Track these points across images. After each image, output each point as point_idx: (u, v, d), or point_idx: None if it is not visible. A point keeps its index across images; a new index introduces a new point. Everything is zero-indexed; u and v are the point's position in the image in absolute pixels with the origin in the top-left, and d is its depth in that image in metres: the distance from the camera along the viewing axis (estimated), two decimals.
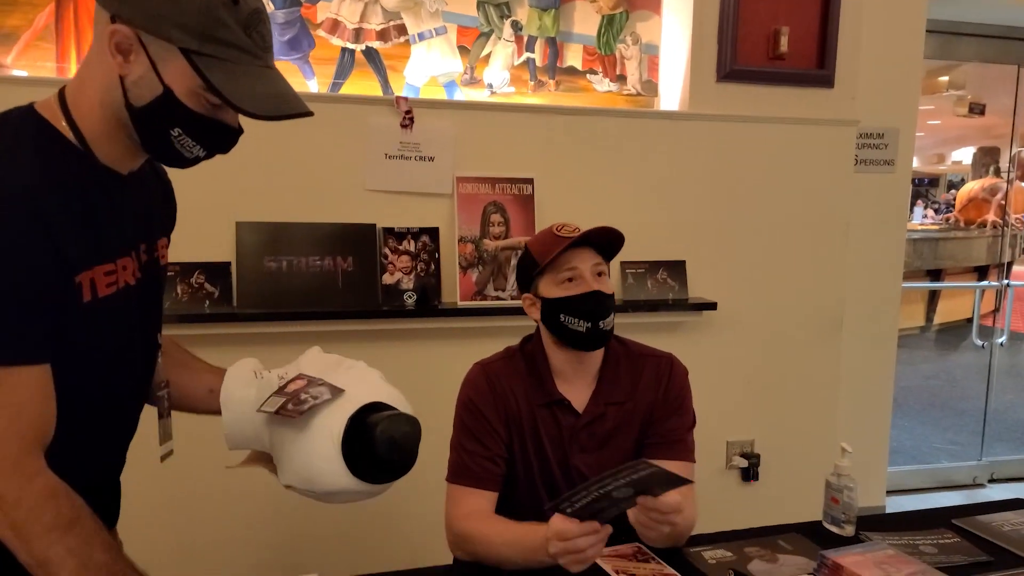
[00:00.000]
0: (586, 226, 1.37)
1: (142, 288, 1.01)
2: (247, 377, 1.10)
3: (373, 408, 1.01)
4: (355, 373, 1.08)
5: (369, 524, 2.22)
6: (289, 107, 0.91)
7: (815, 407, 2.68)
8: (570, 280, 1.35)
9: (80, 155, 0.91)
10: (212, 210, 2.05)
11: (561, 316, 1.35)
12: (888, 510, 3.12)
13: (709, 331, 2.53)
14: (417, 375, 2.25)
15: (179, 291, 2.02)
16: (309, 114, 0.90)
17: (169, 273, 1.93)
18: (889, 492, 3.29)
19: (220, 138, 0.93)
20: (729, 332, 2.55)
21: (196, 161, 0.95)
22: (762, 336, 2.60)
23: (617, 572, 1.24)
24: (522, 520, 1.28)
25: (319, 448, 0.99)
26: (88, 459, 0.98)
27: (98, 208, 0.92)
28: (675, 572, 1.25)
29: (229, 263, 2.09)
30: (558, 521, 1.11)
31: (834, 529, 1.43)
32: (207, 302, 2.05)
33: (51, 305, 0.86)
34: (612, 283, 1.40)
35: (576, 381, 1.41)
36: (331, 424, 0.99)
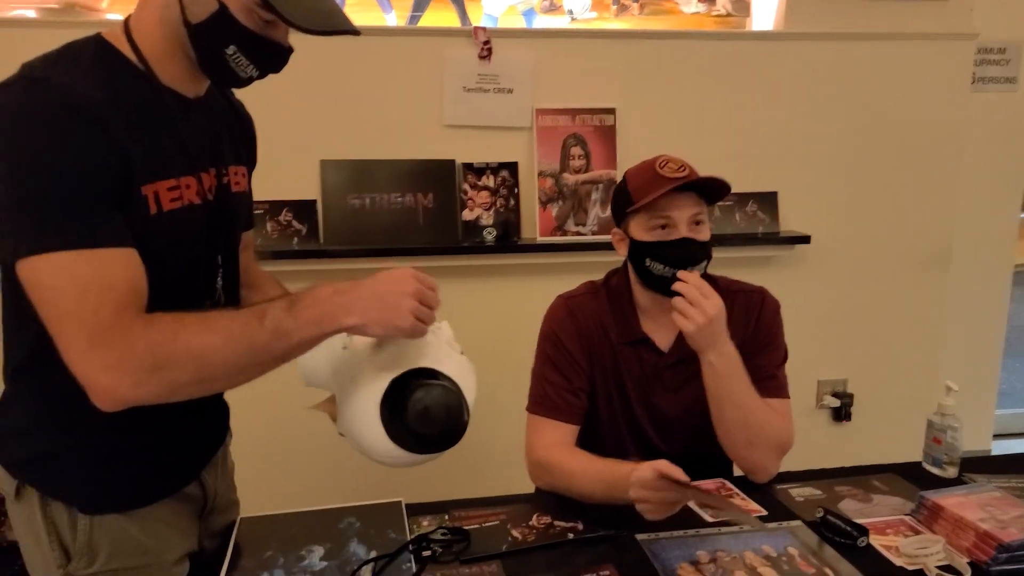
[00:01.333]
0: (682, 157, 1.30)
1: (211, 211, 1.04)
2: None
3: (426, 374, 0.98)
4: (432, 337, 1.05)
5: (452, 452, 2.28)
6: (338, 23, 0.95)
7: (916, 346, 2.53)
8: (663, 227, 1.28)
9: (141, 74, 0.94)
10: (297, 149, 2.09)
11: (647, 260, 1.30)
12: (994, 454, 2.96)
13: (802, 266, 2.41)
14: (497, 311, 2.27)
15: (268, 228, 2.09)
16: (356, 32, 0.96)
17: (258, 211, 2.03)
18: (996, 436, 3.12)
19: (272, 57, 0.97)
20: (824, 267, 2.43)
21: (249, 81, 0.98)
22: (860, 271, 2.46)
23: (703, 506, 1.23)
24: (604, 456, 1.27)
25: (363, 405, 0.98)
26: None
27: (160, 126, 0.95)
28: (760, 508, 1.23)
29: (315, 201, 2.13)
30: (645, 469, 1.10)
31: (935, 470, 1.36)
32: (295, 239, 2.11)
33: (121, 203, 0.89)
34: (710, 229, 1.32)
35: (661, 319, 1.36)
36: (377, 383, 0.97)
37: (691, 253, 1.28)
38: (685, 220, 1.28)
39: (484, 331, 2.27)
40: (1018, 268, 3.02)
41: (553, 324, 1.38)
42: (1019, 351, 4.41)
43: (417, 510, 1.22)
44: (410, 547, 1.09)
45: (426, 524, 1.17)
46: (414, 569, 1.04)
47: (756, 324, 1.37)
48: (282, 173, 2.07)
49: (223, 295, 1.10)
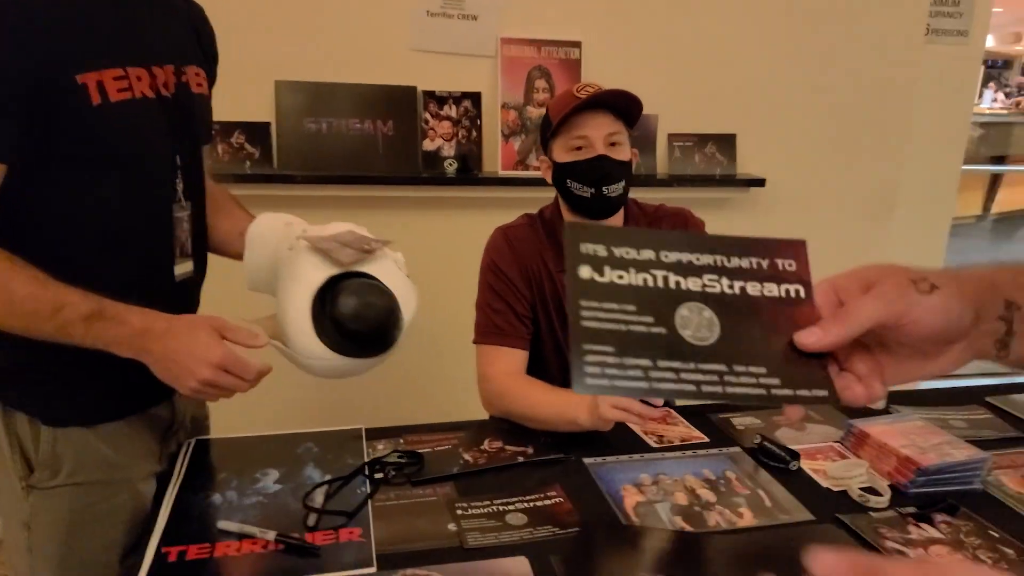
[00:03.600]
0: (643, 96, 1.31)
1: (169, 108, 1.02)
2: (277, 223, 1.11)
3: (364, 277, 1.00)
4: (379, 255, 1.07)
5: (409, 380, 2.32)
6: None
7: None
8: (579, 149, 1.32)
9: None
10: (251, 68, 2.01)
11: (568, 181, 1.34)
12: (921, 387, 3.13)
13: (755, 209, 2.46)
14: (456, 244, 2.26)
15: (220, 150, 2.02)
16: None
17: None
18: None
19: None
20: (776, 211, 2.48)
21: None
22: (808, 216, 2.53)
23: (647, 434, 1.28)
24: (550, 382, 1.32)
25: (296, 299, 1.00)
26: (135, 267, 1.04)
27: (108, 15, 0.94)
28: (702, 435, 1.29)
29: (269, 123, 2.07)
30: (607, 410, 1.16)
31: None
32: (248, 163, 2.05)
33: (25, 108, 0.87)
34: (629, 150, 1.36)
35: None
36: (315, 276, 0.99)
37: (608, 171, 1.31)
38: (601, 139, 1.31)
39: (442, 263, 2.27)
40: (956, 221, 3.14)
41: (492, 254, 1.42)
42: None
43: (375, 435, 1.25)
44: (364, 470, 1.12)
45: (381, 448, 1.20)
46: (368, 491, 1.08)
47: None
48: (234, 93, 1.98)
49: (185, 199, 1.09)
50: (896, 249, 2.74)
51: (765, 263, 0.51)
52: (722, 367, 0.46)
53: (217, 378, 0.93)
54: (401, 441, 1.23)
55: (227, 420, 1.37)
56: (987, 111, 6.47)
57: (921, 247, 2.94)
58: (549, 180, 1.39)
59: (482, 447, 1.22)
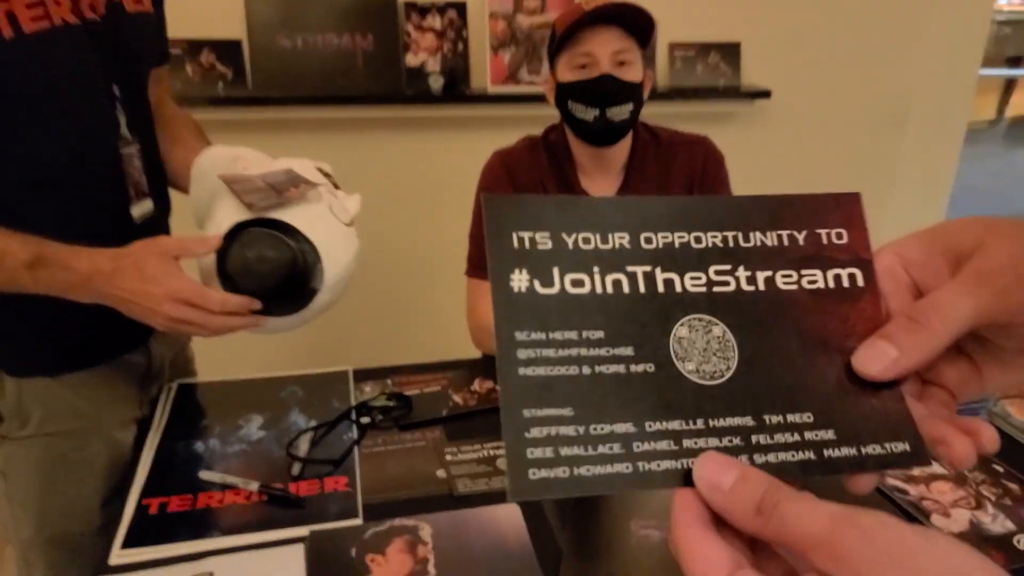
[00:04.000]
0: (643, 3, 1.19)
1: (98, 33, 0.92)
2: (223, 157, 1.02)
3: (279, 228, 0.90)
4: (314, 196, 0.97)
5: (395, 316, 2.27)
6: None
7: (865, 206, 2.55)
8: (584, 67, 1.21)
9: None
10: None
11: (569, 103, 1.23)
12: None
13: (761, 122, 2.35)
14: (443, 167, 2.17)
15: (189, 71, 1.90)
16: None
17: (175, 51, 1.84)
18: None
19: None
20: (783, 125, 2.37)
21: None
22: (817, 129, 2.42)
23: None
24: None
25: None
26: (88, 212, 0.97)
27: None
28: None
29: (239, 41, 1.94)
30: None
31: None
32: (220, 84, 1.93)
33: None
34: (640, 71, 1.24)
35: (599, 177, 1.31)
36: (223, 224, 0.91)
37: (612, 91, 1.20)
38: (607, 56, 1.20)
39: (430, 188, 2.19)
40: (972, 126, 3.01)
41: (488, 182, 1.33)
42: (961, 210, 4.53)
43: (362, 377, 1.20)
44: (351, 415, 1.09)
45: (368, 391, 1.16)
46: (354, 437, 1.04)
47: (701, 177, 1.32)
48: (200, 7, 1.87)
49: (131, 133, 1.00)
50: (907, 156, 2.63)
51: (801, 236, 0.34)
52: (747, 420, 0.30)
53: (180, 313, 0.86)
54: (389, 383, 1.18)
55: (212, 362, 1.33)
56: (1006, 8, 6.14)
57: (934, 154, 2.82)
58: (552, 101, 1.28)
59: (472, 388, 1.18)
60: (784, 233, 0.34)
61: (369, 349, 2.24)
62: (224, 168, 0.99)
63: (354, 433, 1.05)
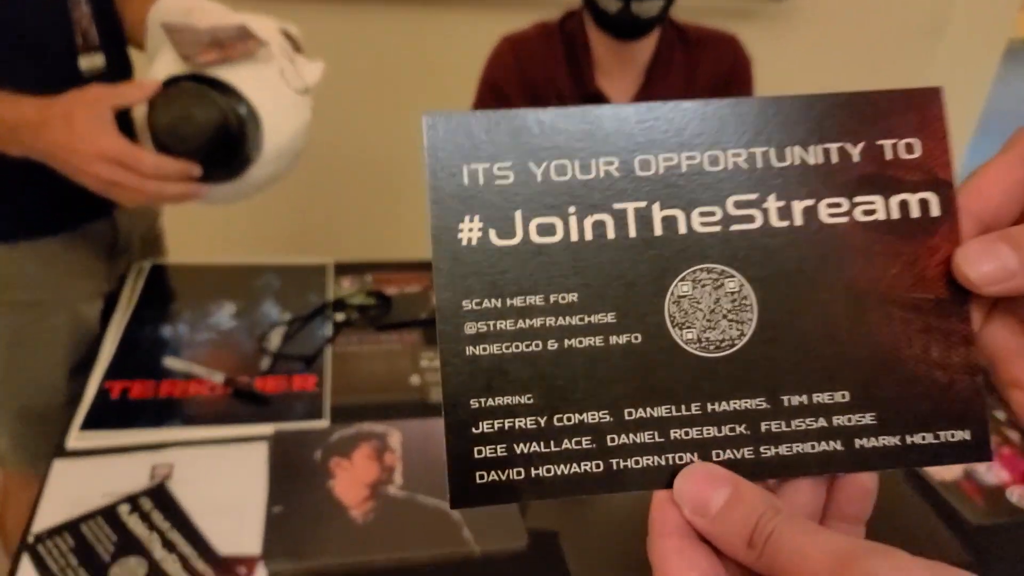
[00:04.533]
0: None
1: None
2: (177, 8, 0.92)
3: (215, 86, 0.82)
4: (260, 56, 0.87)
5: (385, 213, 2.19)
6: None
7: None
8: None
9: None
10: None
11: None
12: None
13: (786, 25, 2.19)
14: (437, 51, 2.02)
15: None
16: None
17: None
18: None
19: None
20: (809, 28, 2.22)
21: None
22: (846, 36, 2.26)
23: None
24: None
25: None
26: (31, 61, 0.89)
27: None
28: None
29: None
30: None
31: None
32: None
33: None
34: None
35: (618, 76, 1.19)
36: (159, 76, 0.84)
37: None
38: None
39: (425, 72, 2.05)
40: (1011, 44, 2.82)
41: (496, 71, 1.21)
42: (990, 134, 4.34)
43: (343, 271, 1.15)
44: (327, 311, 1.04)
45: (346, 287, 1.11)
46: (328, 335, 1.00)
47: (727, 80, 1.22)
48: None
49: None
50: (939, 73, 2.48)
51: (857, 149, 0.25)
52: (758, 402, 0.24)
53: (111, 174, 0.79)
54: (369, 280, 1.13)
55: (185, 242, 1.27)
56: None
57: (967, 72, 2.67)
58: None
59: None
60: (833, 147, 0.25)
61: (353, 241, 2.17)
62: (176, 19, 0.89)
63: (328, 331, 1.01)
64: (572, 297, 0.24)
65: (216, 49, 0.83)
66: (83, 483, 0.77)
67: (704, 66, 1.21)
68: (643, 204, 0.24)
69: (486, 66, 1.23)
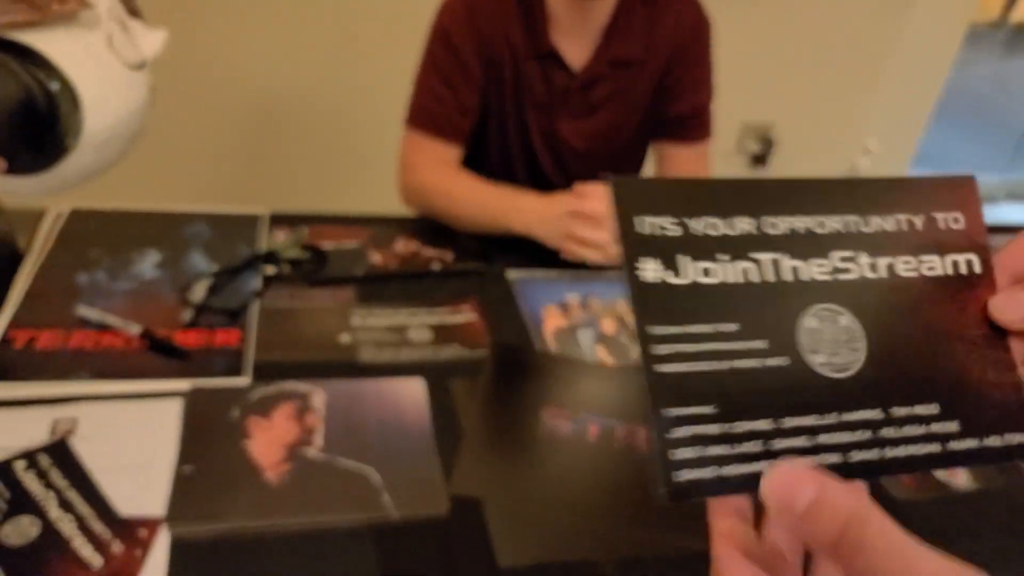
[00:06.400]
0: None
1: None
2: None
3: (30, 59, 0.67)
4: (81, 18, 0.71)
5: (322, 161, 2.12)
6: None
7: (849, 97, 2.42)
8: None
9: None
10: None
11: None
12: None
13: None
14: None
15: None
16: None
17: None
18: None
19: None
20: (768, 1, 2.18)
21: None
22: (812, 6, 2.23)
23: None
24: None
25: None
26: None
27: None
28: None
29: None
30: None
31: None
32: None
33: None
34: None
35: (575, 35, 1.15)
36: None
37: None
38: None
39: (369, 15, 1.97)
40: (972, 28, 2.83)
41: (446, 20, 1.15)
42: (946, 115, 4.38)
43: (278, 223, 1.09)
44: (257, 263, 0.99)
45: (281, 239, 1.06)
46: (257, 288, 0.95)
47: (686, 45, 1.19)
48: None
49: None
50: (900, 52, 2.48)
51: (919, 220, 0.33)
52: (876, 414, 0.30)
53: None
54: (305, 232, 1.08)
55: (111, 187, 1.19)
56: None
57: (928, 52, 2.67)
58: None
59: (394, 248, 1.09)
60: (902, 217, 0.33)
61: (288, 193, 2.10)
62: None
63: (258, 284, 0.95)
64: (734, 326, 0.29)
65: (26, 8, 0.67)
66: None
67: (663, 28, 1.17)
68: (775, 255, 0.30)
69: (438, 15, 1.17)
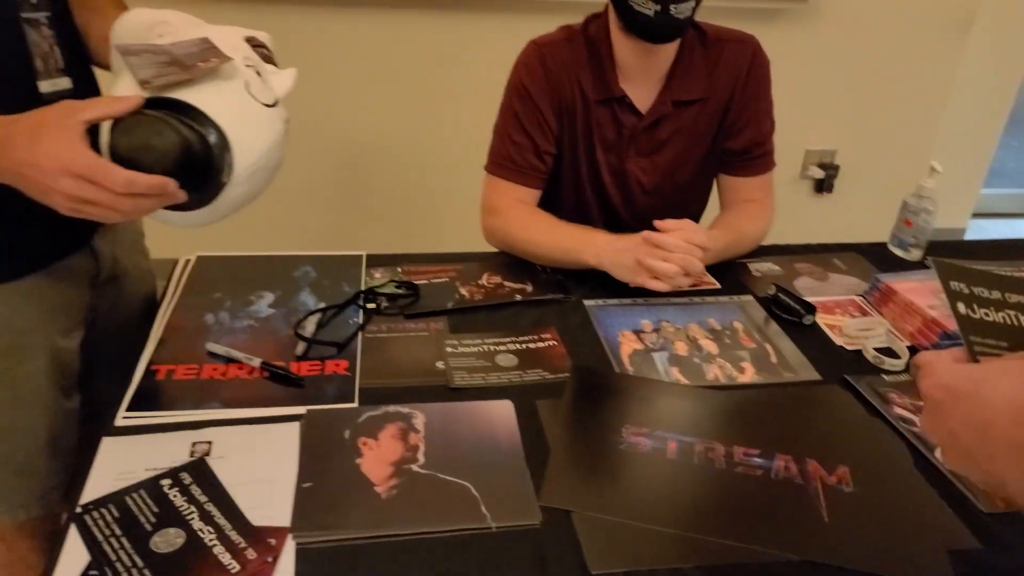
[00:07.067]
0: None
1: None
2: (140, 24, 0.89)
3: (171, 107, 0.78)
4: (224, 71, 0.82)
5: (413, 209, 2.25)
6: None
7: (915, 119, 2.41)
8: None
9: None
10: None
11: None
12: (970, 235, 2.97)
13: (810, 22, 2.19)
14: (468, 53, 2.08)
15: None
16: None
17: None
18: (977, 215, 3.11)
19: None
20: (832, 25, 2.21)
21: None
22: (871, 32, 2.25)
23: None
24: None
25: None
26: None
27: None
28: (714, 281, 1.22)
29: None
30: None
31: (899, 252, 1.34)
32: None
33: None
34: None
35: (640, 80, 1.23)
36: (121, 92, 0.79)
37: None
38: None
39: (451, 74, 2.11)
40: None
41: (523, 74, 1.25)
42: (1020, 128, 4.23)
43: (374, 263, 1.20)
44: (358, 300, 1.09)
45: (378, 277, 1.16)
46: (360, 322, 1.05)
47: (745, 82, 1.25)
48: None
49: (37, 1, 0.88)
50: (966, 67, 2.45)
51: None
52: None
53: (81, 191, 0.72)
54: (399, 271, 1.18)
55: (224, 239, 1.33)
56: None
57: (996, 65, 2.61)
58: None
59: (480, 282, 1.17)
60: None
61: (384, 236, 2.24)
62: (142, 36, 0.86)
63: (359, 318, 1.06)
64: (1004, 344, 0.51)
65: (177, 69, 0.78)
66: (128, 459, 0.82)
67: (722, 68, 1.24)
68: (1016, 312, 0.53)
69: (514, 69, 1.27)
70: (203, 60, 0.80)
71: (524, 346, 1.02)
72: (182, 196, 0.78)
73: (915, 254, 1.33)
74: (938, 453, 0.77)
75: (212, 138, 0.78)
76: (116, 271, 1.07)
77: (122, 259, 1.08)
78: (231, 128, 0.79)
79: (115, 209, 0.74)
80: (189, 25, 0.88)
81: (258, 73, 0.85)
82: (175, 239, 1.22)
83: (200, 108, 0.77)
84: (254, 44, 0.89)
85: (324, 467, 0.81)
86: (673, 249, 1.06)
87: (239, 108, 0.81)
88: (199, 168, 0.78)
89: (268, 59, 0.90)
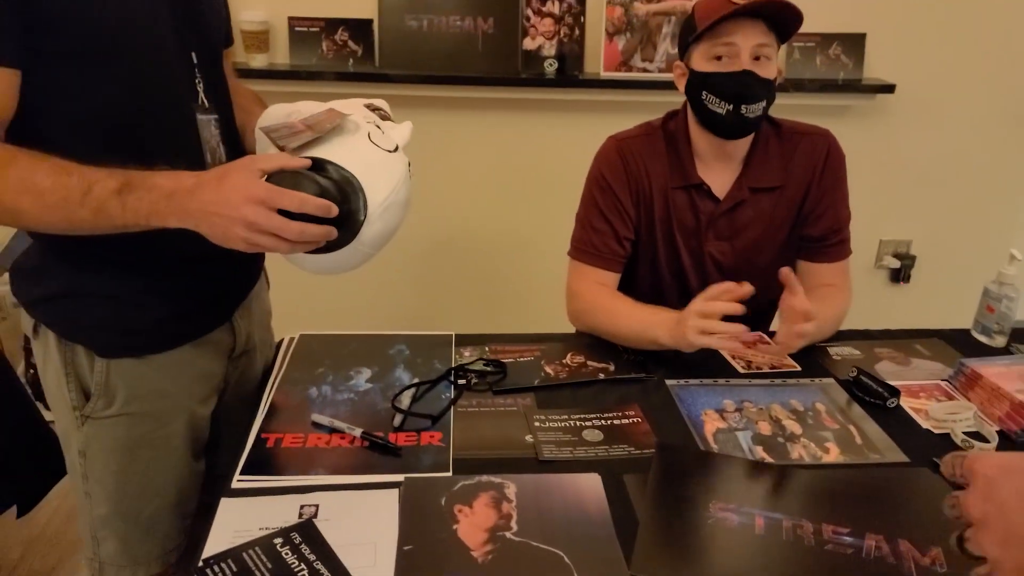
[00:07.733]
0: None
1: (176, 3, 0.96)
2: (279, 113, 1.01)
3: (313, 166, 0.90)
4: (347, 128, 0.94)
5: (501, 292, 2.35)
6: None
7: (991, 208, 2.40)
8: (720, 59, 1.20)
9: None
10: None
11: (703, 93, 1.22)
12: None
13: (882, 118, 2.25)
14: (553, 148, 2.22)
15: (324, 48, 2.04)
16: None
17: (313, 29, 1.98)
18: None
19: None
20: (905, 120, 2.26)
21: None
22: (944, 126, 2.29)
23: (734, 359, 1.25)
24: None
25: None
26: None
27: None
28: (794, 364, 1.24)
29: (371, 20, 2.05)
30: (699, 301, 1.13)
31: (983, 338, 1.34)
32: (351, 60, 2.05)
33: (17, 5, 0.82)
34: (775, 67, 1.22)
35: (717, 167, 1.31)
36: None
37: (751, 88, 1.19)
38: (748, 49, 1.18)
39: (536, 168, 2.24)
40: None
41: (602, 167, 1.35)
42: None
43: (463, 342, 1.27)
44: (450, 376, 1.16)
45: (467, 355, 1.23)
46: (452, 396, 1.11)
47: (822, 172, 1.31)
48: None
49: (208, 101, 1.03)
50: None
51: None
52: None
53: (258, 216, 0.82)
54: (487, 350, 1.25)
55: (324, 321, 1.43)
56: None
57: None
58: (682, 89, 1.28)
59: (564, 361, 1.23)
60: None
61: (472, 317, 2.33)
62: (275, 116, 1.00)
63: (451, 393, 1.12)
64: None
65: (307, 132, 0.91)
66: (244, 518, 0.88)
67: (798, 158, 1.30)
68: None
69: (594, 162, 1.37)
70: (328, 120, 0.93)
71: (609, 422, 1.06)
72: (333, 232, 0.88)
73: (999, 340, 1.32)
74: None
75: (341, 179, 0.90)
76: (248, 345, 1.18)
77: (254, 335, 1.19)
78: (360, 172, 0.91)
79: (285, 235, 0.83)
80: (317, 106, 1.01)
81: (378, 127, 0.98)
82: (282, 319, 1.33)
83: (332, 160, 0.90)
84: (372, 108, 1.02)
85: (423, 531, 0.85)
86: (717, 312, 1.11)
87: (364, 155, 0.93)
88: (340, 210, 0.88)
89: (386, 118, 1.03)
